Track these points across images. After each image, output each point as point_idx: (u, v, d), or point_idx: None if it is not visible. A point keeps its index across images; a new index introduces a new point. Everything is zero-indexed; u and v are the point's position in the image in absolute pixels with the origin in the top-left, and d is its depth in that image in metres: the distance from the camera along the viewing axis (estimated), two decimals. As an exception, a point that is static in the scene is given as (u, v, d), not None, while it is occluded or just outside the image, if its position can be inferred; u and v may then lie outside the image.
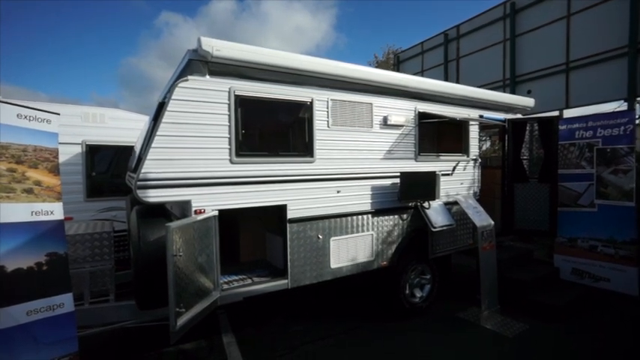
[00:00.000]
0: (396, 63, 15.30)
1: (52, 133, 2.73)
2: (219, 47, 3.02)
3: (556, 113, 8.93)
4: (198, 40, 2.96)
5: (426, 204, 4.37)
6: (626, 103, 7.81)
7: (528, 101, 5.89)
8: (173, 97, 2.96)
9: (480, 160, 5.20)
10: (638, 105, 7.81)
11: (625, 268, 5.09)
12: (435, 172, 4.35)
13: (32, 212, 2.54)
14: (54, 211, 2.65)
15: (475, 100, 5.09)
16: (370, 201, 4.09)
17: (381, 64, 23.04)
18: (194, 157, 3.08)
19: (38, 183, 2.61)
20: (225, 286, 3.44)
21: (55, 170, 2.71)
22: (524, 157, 5.85)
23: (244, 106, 3.29)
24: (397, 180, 4.21)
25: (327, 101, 3.74)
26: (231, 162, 3.25)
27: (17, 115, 2.52)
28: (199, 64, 3.12)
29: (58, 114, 2.78)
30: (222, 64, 3.15)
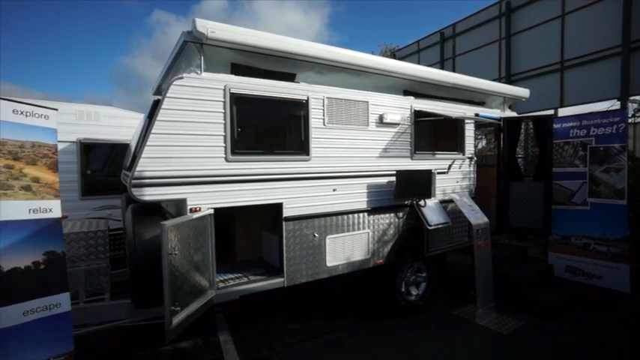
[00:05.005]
0: (393, 61, 15.30)
1: (51, 129, 2.69)
2: (215, 29, 2.98)
3: (551, 112, 9.01)
4: (193, 22, 2.93)
5: (421, 202, 4.39)
6: (619, 102, 7.88)
7: (523, 92, 5.90)
8: (168, 94, 2.94)
9: (475, 159, 5.22)
10: (630, 104, 7.90)
11: (617, 265, 5.15)
12: (430, 170, 4.37)
13: (30, 210, 2.50)
14: (52, 208, 2.61)
15: (469, 89, 5.08)
16: (366, 199, 4.11)
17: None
18: (189, 155, 3.07)
19: (36, 180, 2.56)
20: (221, 285, 3.44)
21: (54, 167, 2.67)
22: (520, 156, 5.89)
23: (240, 104, 3.28)
24: (393, 178, 4.22)
25: (323, 99, 3.74)
26: (227, 160, 3.24)
27: (13, 111, 2.48)
28: (194, 47, 3.09)
29: (56, 109, 2.74)
30: (217, 48, 3.12)
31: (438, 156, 4.77)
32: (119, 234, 4.78)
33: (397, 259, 4.36)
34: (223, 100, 3.19)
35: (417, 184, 4.27)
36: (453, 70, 12.06)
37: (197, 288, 3.03)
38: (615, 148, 5.19)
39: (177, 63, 3.63)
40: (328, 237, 3.84)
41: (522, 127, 5.75)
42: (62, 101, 5.04)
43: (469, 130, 5.08)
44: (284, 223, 3.57)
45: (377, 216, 4.20)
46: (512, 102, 5.98)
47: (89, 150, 5.14)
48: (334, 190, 3.86)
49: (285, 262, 3.60)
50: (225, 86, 3.20)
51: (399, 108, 4.32)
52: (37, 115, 2.61)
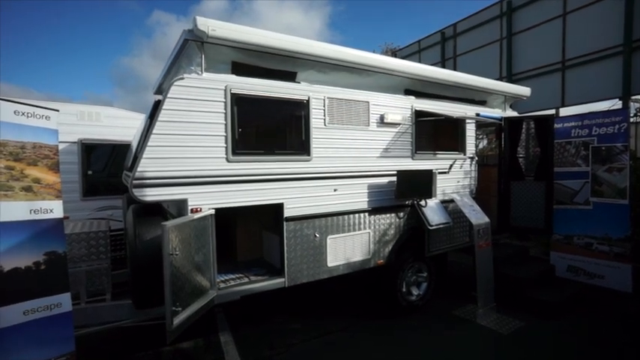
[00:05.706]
0: (393, 61, 15.27)
1: (52, 129, 2.70)
2: (216, 27, 2.96)
3: (552, 112, 8.99)
4: (194, 20, 2.92)
5: (422, 202, 4.38)
6: (620, 102, 7.86)
7: (524, 90, 5.88)
8: (169, 95, 2.94)
9: (476, 159, 5.21)
10: (632, 103, 7.87)
11: (619, 265, 5.14)
12: (431, 170, 4.37)
13: (31, 210, 2.51)
14: (53, 209, 2.62)
15: (471, 87, 5.06)
16: (367, 199, 4.10)
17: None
18: (190, 156, 3.07)
19: (37, 180, 2.57)
20: (222, 285, 3.44)
21: (55, 167, 2.67)
22: (521, 156, 5.88)
23: (241, 105, 3.28)
24: (394, 178, 4.22)
25: (324, 99, 3.74)
26: (228, 160, 3.24)
27: (14, 112, 2.49)
28: (195, 45, 3.09)
29: (57, 110, 2.75)
30: (218, 46, 3.11)
31: (439, 156, 4.76)
32: (120, 234, 4.79)
33: (398, 259, 4.36)
34: (224, 100, 3.19)
35: (418, 184, 4.26)
36: (454, 70, 12.05)
37: (198, 288, 3.03)
38: (617, 148, 5.18)
39: (178, 62, 3.63)
40: (329, 237, 3.84)
41: (523, 126, 5.74)
42: (62, 101, 5.05)
43: (470, 129, 5.07)
44: (285, 223, 3.57)
45: (378, 216, 4.20)
46: (514, 101, 5.96)
47: (90, 150, 5.15)
48: (335, 190, 3.86)
49: (286, 262, 3.60)
50: (226, 86, 3.19)
51: (399, 108, 4.31)
52: (38, 116, 2.61)
